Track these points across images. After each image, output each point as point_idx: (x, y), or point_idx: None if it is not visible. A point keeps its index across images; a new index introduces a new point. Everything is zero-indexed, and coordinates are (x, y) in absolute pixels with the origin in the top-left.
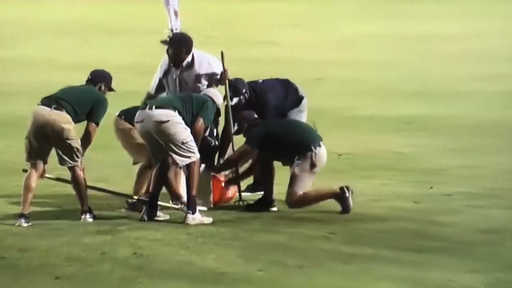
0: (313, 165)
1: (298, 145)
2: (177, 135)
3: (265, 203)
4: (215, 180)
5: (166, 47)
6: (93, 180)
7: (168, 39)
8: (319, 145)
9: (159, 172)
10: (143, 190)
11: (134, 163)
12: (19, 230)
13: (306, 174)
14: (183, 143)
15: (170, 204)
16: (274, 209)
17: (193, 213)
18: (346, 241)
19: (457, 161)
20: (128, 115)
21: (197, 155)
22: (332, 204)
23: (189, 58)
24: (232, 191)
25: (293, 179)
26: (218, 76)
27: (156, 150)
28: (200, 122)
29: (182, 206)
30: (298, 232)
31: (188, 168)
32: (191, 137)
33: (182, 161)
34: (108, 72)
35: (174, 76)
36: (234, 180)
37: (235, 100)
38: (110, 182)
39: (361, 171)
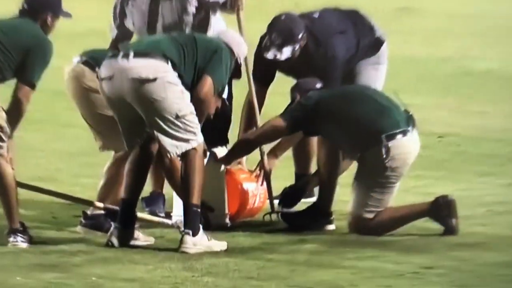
0: (385, 168)
1: (360, 134)
2: (169, 104)
3: (316, 216)
4: (231, 180)
5: None
6: (29, 177)
7: None
8: (402, 132)
9: (136, 165)
10: (118, 194)
11: (102, 149)
12: None
13: (374, 184)
14: (177, 118)
15: (157, 219)
16: (331, 227)
17: (194, 234)
18: (451, 283)
19: None
20: (95, 61)
21: (200, 138)
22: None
23: None
24: (261, 197)
25: (355, 193)
26: (221, 0)
27: (131, 127)
28: (208, 83)
29: (178, 221)
30: (371, 267)
31: (185, 159)
32: (192, 108)
33: (175, 147)
34: None
35: (144, 6)
36: (232, 155)
37: (287, 51)
38: (57, 180)
39: (474, 164)
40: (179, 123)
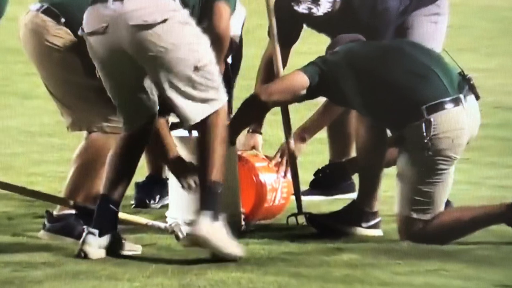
0: (427, 150)
1: (397, 104)
2: (185, 53)
3: (356, 217)
4: (242, 169)
5: None
6: None
7: None
8: (453, 102)
9: (125, 152)
10: (94, 188)
11: (71, 128)
12: None
13: (418, 173)
14: (196, 70)
15: (145, 220)
16: (376, 232)
17: (214, 217)
18: None
19: None
20: (61, 9)
21: (223, 96)
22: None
23: None
24: (283, 192)
25: (398, 187)
26: None
27: (132, 99)
28: (225, 12)
29: (173, 224)
30: (430, 284)
31: (205, 126)
32: (212, 56)
33: (197, 112)
34: None
35: None
36: (237, 124)
37: (326, 4)
38: (12, 169)
39: None
40: (198, 78)
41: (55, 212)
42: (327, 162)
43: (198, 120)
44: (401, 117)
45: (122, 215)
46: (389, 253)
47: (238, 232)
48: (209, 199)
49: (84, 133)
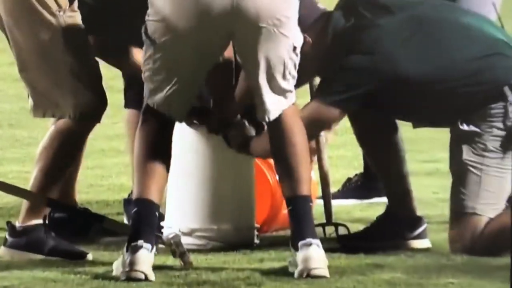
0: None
1: (474, 88)
2: (291, 28)
3: (399, 223)
4: (257, 167)
5: None
6: None
7: None
8: None
9: (159, 145)
10: (70, 192)
11: (34, 113)
12: None
13: (492, 167)
14: (294, 50)
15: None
16: (421, 243)
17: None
18: None
19: None
20: None
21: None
22: None
23: None
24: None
25: (460, 183)
26: None
27: (194, 85)
28: None
29: (170, 236)
30: None
31: (281, 124)
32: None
33: (275, 107)
34: None
35: None
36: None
37: None
38: None
39: None
40: (290, 62)
41: (18, 224)
42: (360, 156)
43: (276, 115)
44: (464, 106)
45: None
46: (440, 270)
47: (250, 246)
48: (307, 221)
49: (49, 120)
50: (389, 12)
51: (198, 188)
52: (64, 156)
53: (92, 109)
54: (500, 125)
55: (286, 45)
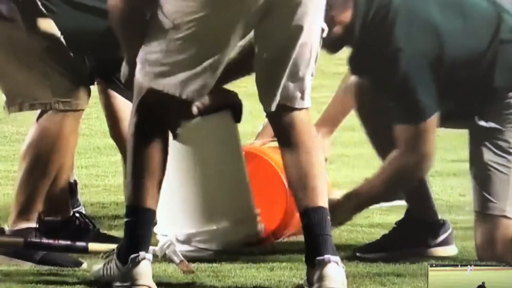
0: None
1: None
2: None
3: (421, 227)
4: (266, 165)
5: None
6: None
7: None
8: None
9: (158, 141)
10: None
11: (9, 107)
12: None
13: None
14: (322, 33)
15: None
16: (445, 250)
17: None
18: None
19: None
20: None
21: None
22: None
23: None
24: None
25: (483, 186)
26: None
27: (223, 56)
28: None
29: (165, 246)
30: None
31: (293, 126)
32: None
33: (291, 94)
34: None
35: None
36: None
37: None
38: None
39: None
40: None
41: (7, 227)
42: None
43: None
44: (482, 98)
45: (93, 245)
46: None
47: (257, 250)
48: (327, 237)
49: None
50: None
51: (188, 190)
52: (48, 154)
53: (70, 92)
54: None
55: (316, 30)
